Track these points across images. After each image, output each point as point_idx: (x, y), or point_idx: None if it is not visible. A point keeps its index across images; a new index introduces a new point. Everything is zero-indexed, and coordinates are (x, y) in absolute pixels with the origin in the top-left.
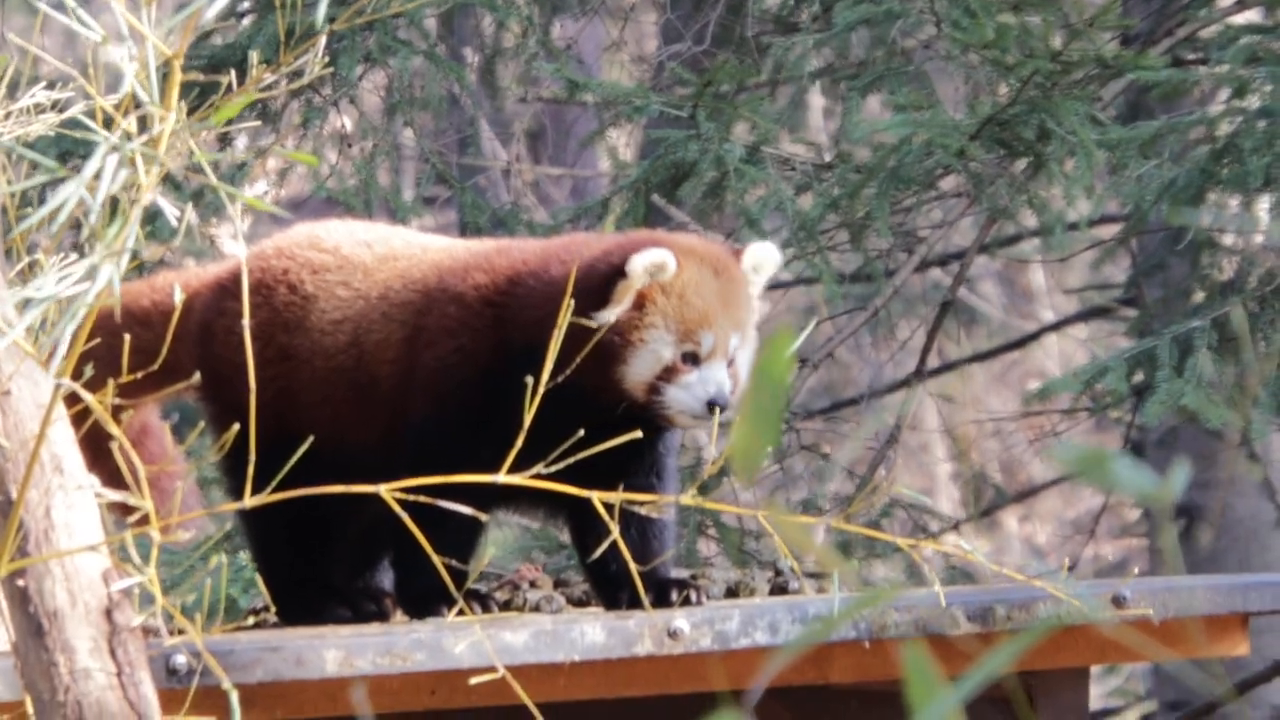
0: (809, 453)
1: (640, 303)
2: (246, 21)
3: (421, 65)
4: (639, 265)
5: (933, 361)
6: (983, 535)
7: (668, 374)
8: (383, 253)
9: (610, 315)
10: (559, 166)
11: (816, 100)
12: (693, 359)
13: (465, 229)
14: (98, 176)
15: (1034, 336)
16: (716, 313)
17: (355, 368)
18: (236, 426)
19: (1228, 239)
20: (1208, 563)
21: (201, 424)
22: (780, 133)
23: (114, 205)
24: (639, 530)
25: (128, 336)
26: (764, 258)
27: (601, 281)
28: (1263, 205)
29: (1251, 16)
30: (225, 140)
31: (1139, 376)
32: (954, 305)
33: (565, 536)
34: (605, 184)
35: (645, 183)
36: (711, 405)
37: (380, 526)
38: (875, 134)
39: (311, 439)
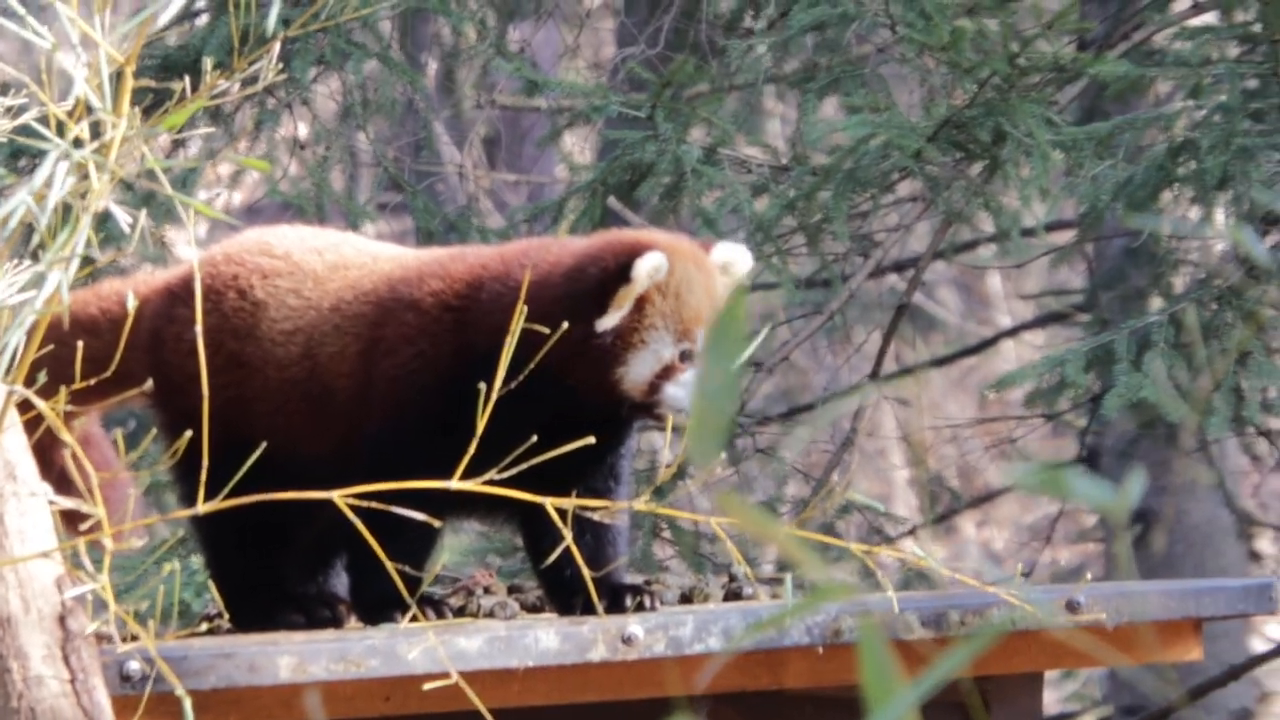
0: (765, 456)
1: (639, 305)
2: (200, 22)
3: (376, 69)
4: (644, 270)
5: (890, 366)
6: (940, 540)
7: (666, 372)
8: (333, 260)
9: (612, 320)
10: (515, 173)
11: (770, 104)
12: (689, 356)
13: (419, 234)
14: (48, 183)
15: (991, 341)
16: (707, 309)
17: (308, 379)
18: (189, 433)
19: (1184, 245)
20: (1163, 568)
21: (151, 431)
22: (737, 135)
23: (67, 212)
24: (594, 535)
25: (78, 344)
26: (734, 258)
27: (598, 287)
28: (1218, 205)
29: (1209, 19)
30: (178, 144)
31: (1095, 377)
32: (909, 309)
33: (520, 541)
34: (561, 189)
35: (602, 184)
36: None
37: (334, 532)
38: (832, 135)
39: (264, 445)
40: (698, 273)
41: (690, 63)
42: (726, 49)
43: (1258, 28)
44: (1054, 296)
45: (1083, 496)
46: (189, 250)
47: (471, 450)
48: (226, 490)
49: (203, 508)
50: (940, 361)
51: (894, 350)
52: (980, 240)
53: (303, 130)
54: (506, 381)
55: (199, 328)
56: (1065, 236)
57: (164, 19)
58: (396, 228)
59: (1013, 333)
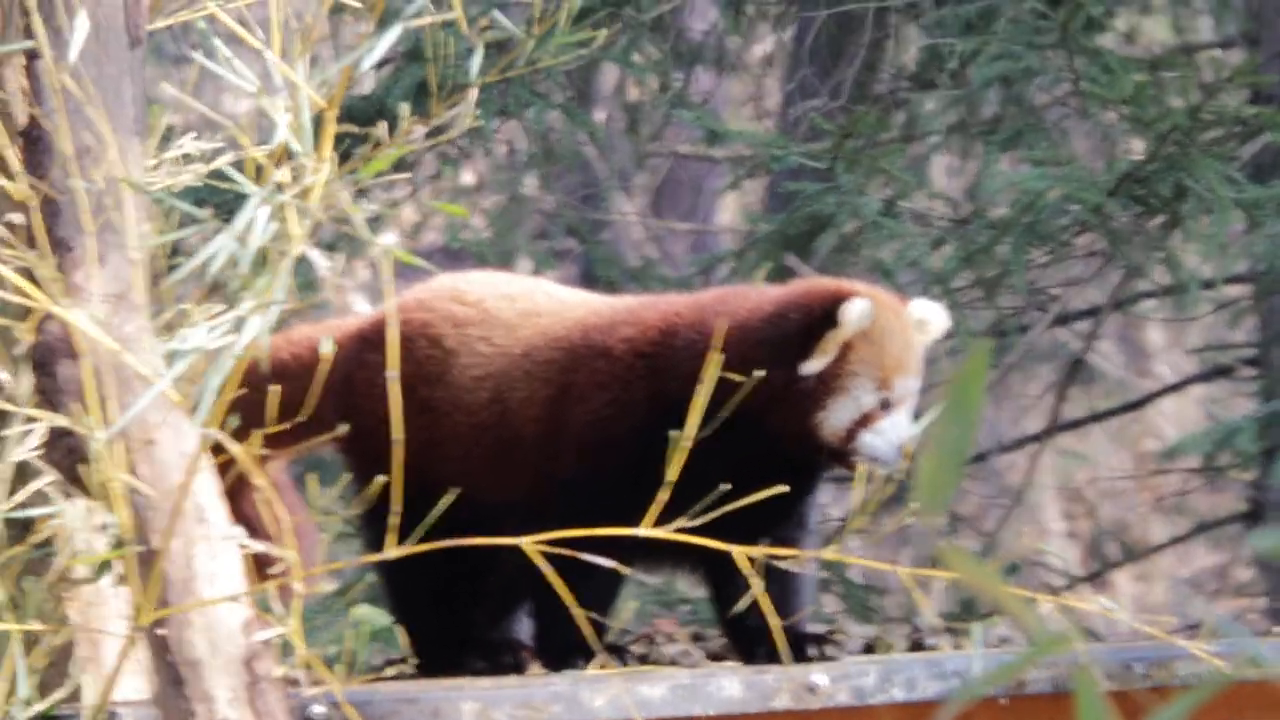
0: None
1: (842, 352)
2: (384, 72)
3: (556, 119)
4: (852, 315)
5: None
6: (1099, 594)
7: (865, 420)
8: (525, 308)
9: (817, 365)
10: (677, 221)
11: (940, 157)
12: (887, 405)
13: (591, 283)
14: (249, 227)
15: (1158, 395)
16: (907, 359)
17: (498, 424)
18: (381, 478)
19: None
20: None
21: (340, 477)
22: (916, 188)
23: (261, 256)
24: (779, 584)
25: (270, 389)
26: (931, 316)
27: (804, 332)
28: None
29: None
30: (361, 191)
31: (1268, 438)
32: (1084, 362)
33: (699, 590)
34: (725, 239)
35: (782, 234)
36: (901, 450)
37: (519, 578)
38: (1011, 188)
39: (455, 491)
40: (898, 323)
41: (872, 114)
42: (909, 101)
43: None
44: (1217, 351)
45: None
46: (361, 300)
47: (663, 497)
48: (417, 535)
49: (393, 552)
50: (1105, 415)
51: (1049, 403)
52: (1156, 293)
53: (470, 178)
54: (702, 427)
55: (393, 373)
56: (1235, 291)
57: (367, 64)
58: (561, 276)
59: (1178, 387)
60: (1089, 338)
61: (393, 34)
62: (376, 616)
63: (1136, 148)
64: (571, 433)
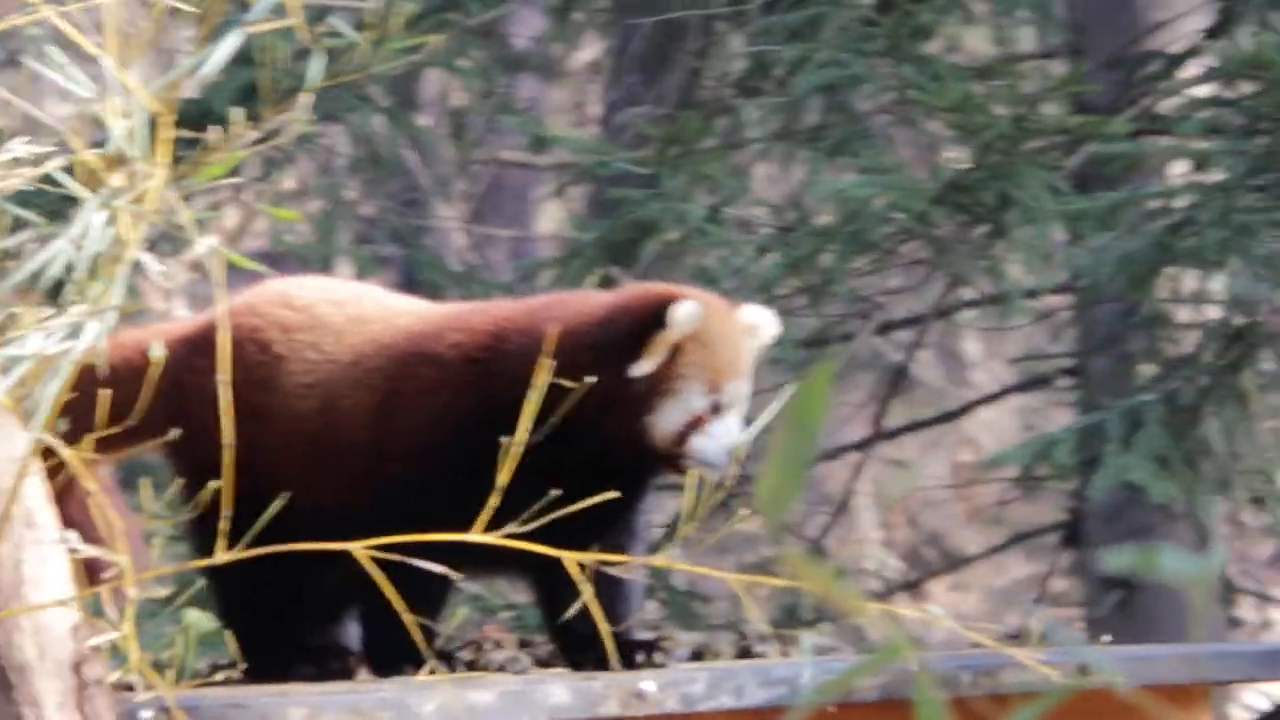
0: (759, 515)
1: (672, 354)
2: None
3: (379, 124)
4: (680, 317)
5: (864, 428)
6: (915, 602)
7: (695, 424)
8: (354, 314)
9: (646, 367)
10: (497, 227)
11: (764, 165)
12: (717, 408)
13: (413, 288)
14: (85, 233)
15: (977, 404)
16: (736, 363)
17: (326, 433)
18: (212, 484)
19: (1182, 314)
20: (1145, 634)
21: (168, 482)
22: (741, 194)
23: (94, 261)
24: (608, 591)
25: (97, 393)
26: (762, 321)
27: (633, 335)
28: (1217, 282)
29: (1214, 88)
30: (187, 196)
31: (1087, 450)
32: (908, 371)
33: (523, 596)
34: (546, 246)
35: (606, 241)
36: (731, 453)
37: (347, 584)
38: (837, 195)
39: (285, 497)
40: (728, 327)
41: (697, 120)
42: (734, 108)
43: (1261, 102)
44: (1036, 361)
45: (1174, 573)
46: (182, 305)
47: (493, 503)
48: (246, 540)
49: (222, 557)
50: (924, 424)
51: (870, 411)
52: (980, 302)
53: (290, 182)
54: (533, 433)
55: (221, 377)
56: (1055, 301)
57: (209, 68)
58: (382, 280)
59: (997, 396)
60: (911, 346)
61: (235, 39)
62: (205, 621)
63: (961, 156)
64: (399, 439)
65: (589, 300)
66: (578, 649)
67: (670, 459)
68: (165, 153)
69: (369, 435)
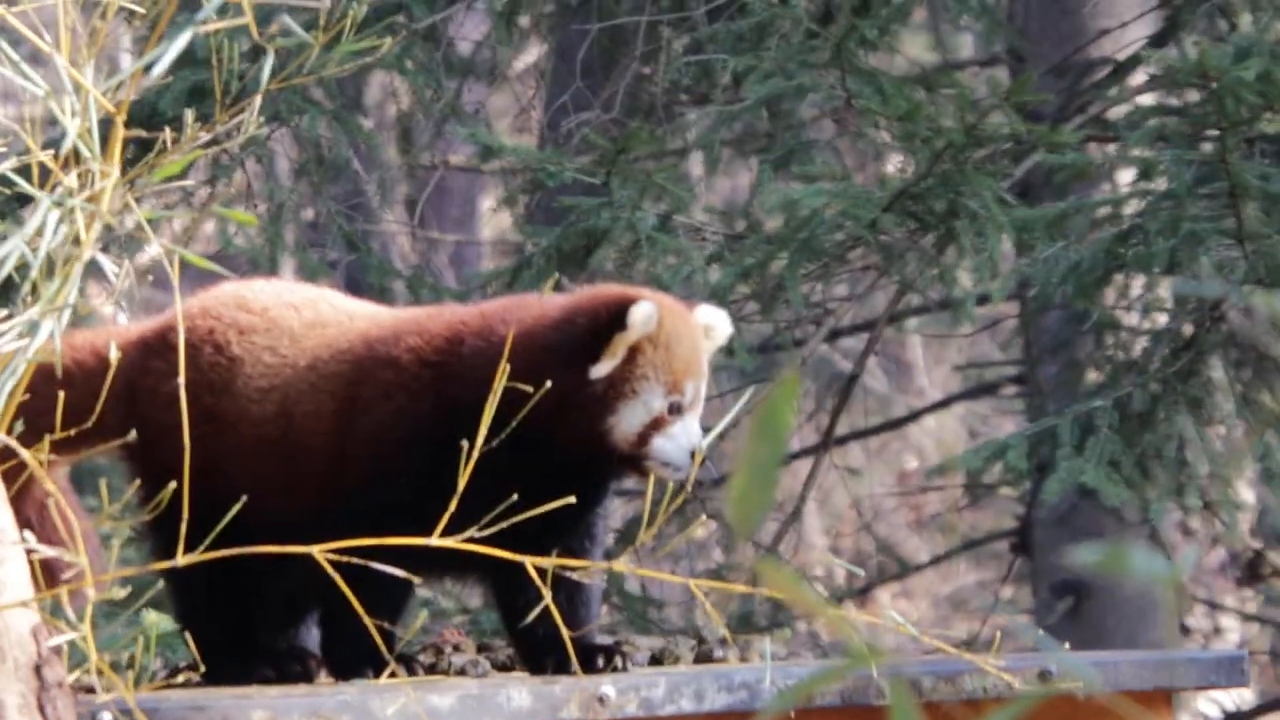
0: (716, 521)
1: (630, 355)
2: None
3: (324, 127)
4: (638, 318)
5: (811, 435)
6: (864, 610)
7: (655, 425)
8: (310, 318)
9: (605, 368)
10: (441, 232)
11: (723, 171)
12: (677, 409)
13: (357, 292)
14: (40, 231)
15: (924, 412)
16: (695, 363)
17: (282, 438)
18: (172, 485)
19: (1130, 319)
20: (1095, 641)
21: (127, 484)
22: (691, 202)
23: (49, 261)
24: (568, 595)
25: (55, 394)
26: (717, 322)
27: (591, 336)
28: (1164, 288)
29: (1164, 97)
30: (139, 197)
31: (1039, 455)
32: (860, 378)
33: (479, 600)
34: (487, 250)
35: (557, 250)
36: (693, 454)
37: (307, 587)
38: (787, 204)
39: (243, 500)
40: (685, 328)
41: (645, 129)
42: (680, 115)
43: (1207, 110)
44: (979, 368)
45: (1141, 572)
46: (117, 310)
47: (452, 507)
48: (205, 544)
49: (182, 559)
50: (874, 430)
51: (817, 419)
52: (931, 308)
53: (253, 184)
54: (491, 436)
55: (181, 380)
56: (1002, 308)
57: (159, 69)
58: (327, 284)
59: (943, 405)
60: (863, 354)
61: (184, 38)
62: (164, 622)
63: (908, 165)
64: (358, 443)
65: (544, 304)
66: (538, 653)
67: (631, 460)
68: (118, 152)
69: (329, 441)
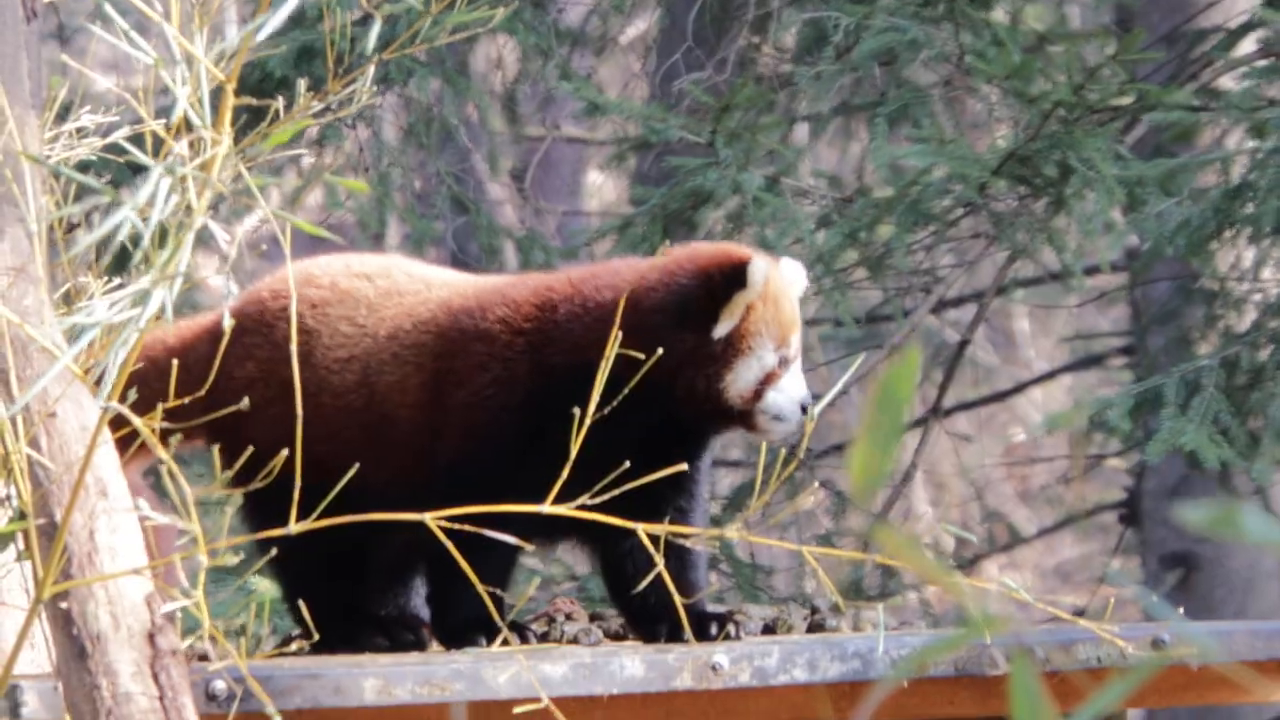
0: (825, 489)
1: (745, 313)
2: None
3: (437, 90)
4: (758, 276)
5: (919, 407)
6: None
7: (768, 379)
8: (385, 287)
9: (726, 328)
10: (547, 203)
11: (822, 135)
12: (785, 362)
13: (462, 260)
14: (151, 201)
15: (1032, 383)
16: (796, 316)
17: (365, 408)
18: (284, 452)
19: (1242, 286)
20: (1204, 612)
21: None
22: (798, 164)
23: (161, 230)
24: (675, 561)
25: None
26: (799, 275)
27: (710, 296)
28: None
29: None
30: (249, 166)
31: (1141, 421)
32: (970, 346)
33: (583, 566)
34: (594, 221)
35: (662, 208)
36: (804, 407)
37: (411, 555)
38: (896, 164)
39: (354, 469)
40: (784, 283)
41: (750, 85)
42: (793, 76)
43: None
44: (1086, 340)
45: (1253, 534)
46: (220, 279)
47: (565, 474)
48: (317, 512)
49: (295, 527)
50: (974, 404)
51: (923, 389)
52: (1042, 279)
53: (361, 148)
54: (605, 399)
55: (293, 348)
56: (1106, 280)
57: (264, 34)
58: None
59: (1053, 375)
60: (972, 323)
61: (290, 4)
62: (274, 590)
63: (1020, 126)
64: (454, 415)
65: (640, 266)
66: (650, 621)
67: (745, 416)
68: (228, 121)
69: (419, 414)
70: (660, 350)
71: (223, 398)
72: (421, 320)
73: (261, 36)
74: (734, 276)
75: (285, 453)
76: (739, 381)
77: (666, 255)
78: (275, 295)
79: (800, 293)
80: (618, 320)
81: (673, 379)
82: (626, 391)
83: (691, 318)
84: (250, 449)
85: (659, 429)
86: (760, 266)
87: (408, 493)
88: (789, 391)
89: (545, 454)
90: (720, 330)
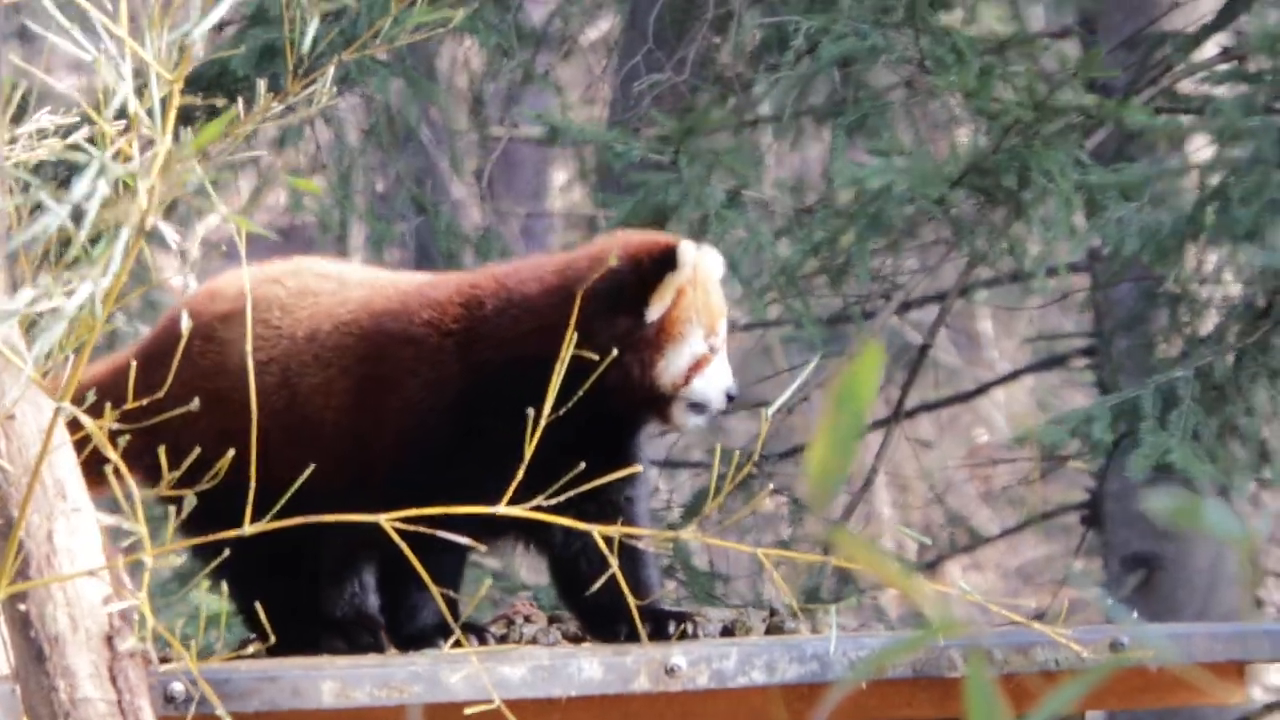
0: (782, 494)
1: (676, 297)
2: (226, 34)
3: (398, 90)
4: (688, 258)
5: (882, 409)
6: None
7: (697, 365)
8: (296, 287)
9: (658, 311)
10: (511, 204)
11: (780, 143)
12: (713, 350)
13: (427, 261)
14: (87, 198)
15: (994, 385)
16: (721, 304)
17: (287, 410)
18: (231, 453)
19: (1204, 291)
20: (1166, 613)
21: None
22: (760, 176)
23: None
24: (628, 560)
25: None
26: (717, 263)
27: (641, 279)
28: (1241, 256)
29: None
30: (204, 160)
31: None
32: (930, 350)
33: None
34: (557, 221)
35: (625, 224)
36: (729, 396)
37: (358, 556)
38: (856, 180)
39: (310, 470)
40: (710, 269)
41: (711, 108)
42: (752, 82)
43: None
44: (1049, 340)
45: (1215, 527)
46: (180, 280)
47: (508, 472)
48: (271, 514)
49: (250, 529)
50: (936, 405)
51: (886, 391)
52: (1001, 280)
53: (320, 147)
54: (537, 391)
55: (248, 347)
56: (1072, 281)
57: (198, 31)
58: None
59: (1013, 377)
60: (933, 326)
61: (224, 5)
62: (215, 602)
63: (979, 135)
64: (387, 420)
65: (559, 257)
66: (607, 621)
67: (665, 404)
68: (172, 118)
69: (341, 415)
70: (593, 336)
71: (158, 428)
72: (342, 321)
73: (197, 34)
74: (664, 259)
75: (231, 454)
76: (671, 367)
77: (591, 244)
78: (188, 314)
79: (720, 279)
80: (547, 309)
81: (605, 366)
82: (558, 383)
83: (624, 302)
84: (191, 456)
85: (592, 422)
86: (689, 248)
87: (342, 494)
88: (715, 380)
89: (482, 452)
90: (653, 313)
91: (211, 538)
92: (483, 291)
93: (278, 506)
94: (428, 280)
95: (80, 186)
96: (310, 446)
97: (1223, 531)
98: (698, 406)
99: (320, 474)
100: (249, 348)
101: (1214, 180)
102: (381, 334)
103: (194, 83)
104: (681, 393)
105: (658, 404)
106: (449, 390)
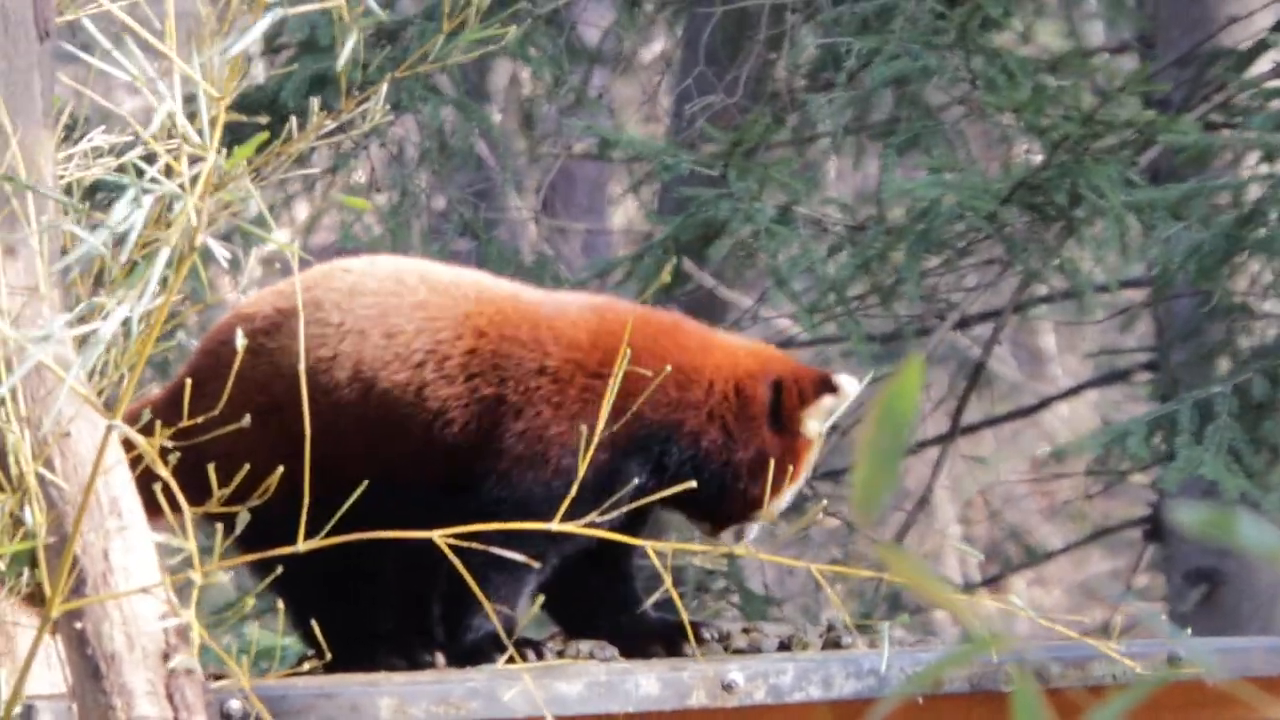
0: (836, 516)
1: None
2: (278, 62)
3: (449, 115)
4: (850, 388)
5: (942, 423)
6: (992, 597)
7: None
8: (345, 286)
9: (814, 431)
10: (570, 220)
11: (834, 161)
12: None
13: None
14: (127, 219)
15: (1054, 400)
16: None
17: (361, 401)
18: (279, 469)
19: (1266, 304)
20: (1229, 628)
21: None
22: (811, 193)
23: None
24: (617, 574)
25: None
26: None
27: (801, 399)
28: None
29: None
30: (262, 187)
31: (1160, 442)
32: (986, 366)
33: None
34: (617, 239)
35: (675, 240)
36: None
37: (425, 572)
38: (906, 195)
39: (364, 484)
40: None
41: (763, 121)
42: (806, 102)
43: None
44: (1111, 355)
45: (1247, 540)
46: (235, 296)
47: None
48: (328, 528)
49: (303, 545)
50: (1003, 418)
51: (947, 406)
52: (1054, 298)
53: (359, 175)
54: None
55: (301, 355)
56: (1132, 294)
57: (236, 49)
58: None
59: (1075, 391)
60: (989, 342)
61: (265, 21)
62: (267, 637)
63: (1032, 151)
64: (508, 443)
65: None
66: (639, 640)
67: (746, 518)
68: (217, 138)
69: (461, 432)
70: (753, 445)
71: (209, 448)
72: (451, 333)
73: (236, 49)
74: (824, 383)
75: (281, 470)
76: (779, 504)
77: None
78: (221, 340)
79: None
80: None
81: (737, 476)
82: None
83: (786, 418)
84: (243, 471)
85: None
86: (851, 382)
87: (421, 504)
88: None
89: (599, 491)
90: (811, 430)
91: (266, 554)
92: (616, 340)
93: (335, 519)
94: (567, 316)
95: (119, 209)
96: (396, 442)
97: (1257, 545)
98: (749, 529)
99: (398, 471)
100: (301, 350)
101: (1250, 197)
102: (507, 357)
103: (246, 109)
104: (757, 515)
105: (740, 517)
106: (581, 430)
